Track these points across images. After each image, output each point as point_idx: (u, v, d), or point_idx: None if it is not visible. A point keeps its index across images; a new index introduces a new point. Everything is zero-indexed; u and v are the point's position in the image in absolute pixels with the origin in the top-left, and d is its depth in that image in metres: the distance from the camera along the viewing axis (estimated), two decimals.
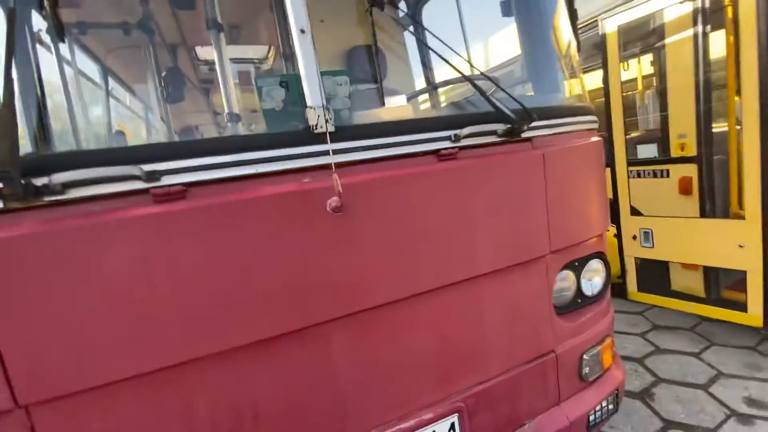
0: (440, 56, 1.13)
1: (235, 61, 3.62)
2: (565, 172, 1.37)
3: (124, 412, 0.87)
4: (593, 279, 1.57)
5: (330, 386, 1.07)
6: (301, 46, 1.00)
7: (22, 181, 0.75)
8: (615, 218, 3.36)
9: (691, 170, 2.91)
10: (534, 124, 1.25)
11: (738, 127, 2.63)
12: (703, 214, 2.86)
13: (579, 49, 1.77)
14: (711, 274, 2.96)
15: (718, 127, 2.83)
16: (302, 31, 1.01)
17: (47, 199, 0.79)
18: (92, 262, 0.80)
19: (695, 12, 2.70)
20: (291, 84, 1.04)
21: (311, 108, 1.00)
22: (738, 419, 2.18)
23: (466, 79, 1.15)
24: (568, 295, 1.51)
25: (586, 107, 1.51)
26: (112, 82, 2.26)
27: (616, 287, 3.52)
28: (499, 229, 1.25)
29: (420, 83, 2.07)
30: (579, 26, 3.12)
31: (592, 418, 1.49)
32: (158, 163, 0.86)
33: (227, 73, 1.70)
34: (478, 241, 1.22)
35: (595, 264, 1.56)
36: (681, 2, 2.69)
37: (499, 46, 3.28)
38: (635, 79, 3.72)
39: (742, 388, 2.42)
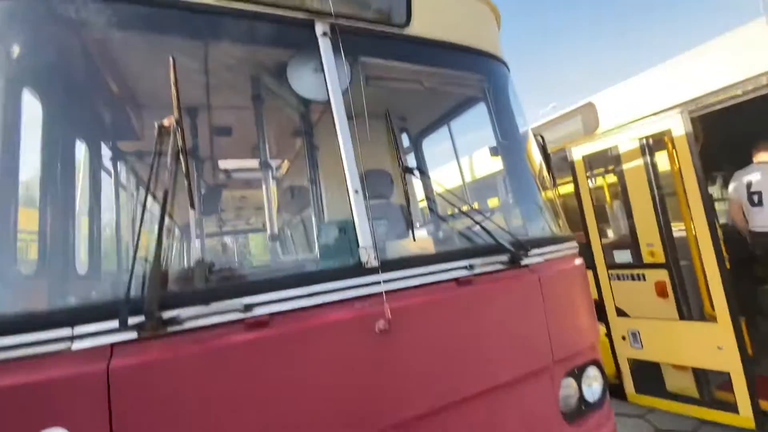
0: (453, 205, 1.49)
1: (250, 170, 4.15)
2: (558, 291, 1.66)
3: None
4: (593, 385, 1.75)
5: None
6: (355, 203, 1.34)
7: (157, 315, 0.98)
8: (602, 318, 3.60)
9: (663, 275, 3.26)
10: (529, 253, 1.58)
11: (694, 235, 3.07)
12: (681, 316, 3.14)
13: (555, 186, 2.22)
14: (701, 375, 3.11)
15: (679, 235, 3.27)
16: (356, 192, 1.36)
17: (170, 329, 1.01)
18: (203, 381, 1.00)
19: (642, 146, 3.33)
20: (347, 228, 1.36)
21: (363, 248, 1.30)
22: None
23: (474, 221, 1.50)
24: (572, 401, 1.68)
25: (567, 236, 1.87)
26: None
27: (614, 388, 3.61)
28: (510, 343, 1.48)
29: (433, 213, 2.46)
30: (550, 151, 3.72)
31: None
32: (251, 297, 1.11)
33: (272, 200, 2.05)
34: (494, 355, 1.44)
35: (593, 371, 1.76)
36: (631, 140, 3.33)
37: (497, 181, 3.86)
38: (603, 190, 4.31)
39: None
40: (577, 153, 3.71)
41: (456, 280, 1.45)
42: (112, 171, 2.14)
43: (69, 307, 1.04)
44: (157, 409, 0.95)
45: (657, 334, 3.23)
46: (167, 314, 1.01)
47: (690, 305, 3.16)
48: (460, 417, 1.35)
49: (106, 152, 2.26)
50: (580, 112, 3.96)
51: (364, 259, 1.29)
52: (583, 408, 1.70)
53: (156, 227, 1.10)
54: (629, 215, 3.57)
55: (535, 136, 2.35)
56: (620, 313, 3.50)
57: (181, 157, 1.14)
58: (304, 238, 2.20)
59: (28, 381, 0.88)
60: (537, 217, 1.96)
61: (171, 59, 1.23)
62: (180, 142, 1.14)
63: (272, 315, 1.13)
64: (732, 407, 2.85)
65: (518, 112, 2.19)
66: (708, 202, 2.93)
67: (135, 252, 1.10)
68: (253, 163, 2.93)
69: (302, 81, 1.64)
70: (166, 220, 1.09)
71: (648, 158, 3.32)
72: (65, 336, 0.94)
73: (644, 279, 3.41)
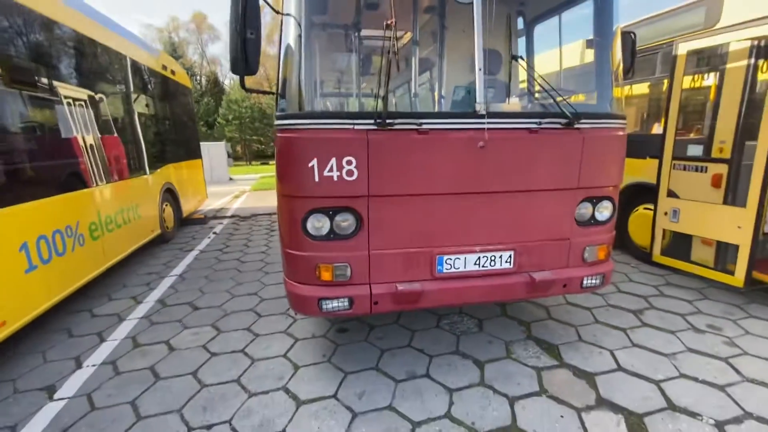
0: (543, 80, 2.46)
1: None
2: (595, 149, 2.63)
3: (403, 208, 2.44)
4: (603, 212, 2.83)
5: (464, 221, 2.55)
6: (478, 77, 2.38)
7: (382, 120, 2.28)
8: (655, 198, 4.37)
9: (722, 169, 3.83)
10: (581, 121, 2.53)
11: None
12: (724, 202, 3.81)
13: (632, 74, 2.93)
14: (722, 249, 3.92)
15: (751, 140, 3.69)
16: (480, 69, 2.39)
17: (389, 128, 2.31)
18: (400, 150, 2.33)
19: (752, 48, 3.52)
20: (471, 90, 2.44)
21: (479, 103, 2.39)
22: (694, 331, 3.34)
23: (550, 96, 2.47)
24: (586, 216, 2.81)
25: (619, 114, 2.72)
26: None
27: (645, 255, 4.59)
28: (555, 169, 2.58)
29: (523, 84, 3.35)
30: (657, 44, 4.08)
31: (585, 282, 2.82)
32: (423, 120, 2.34)
33: (416, 70, 3.14)
34: (540, 173, 2.57)
35: (607, 203, 2.82)
36: (742, 40, 3.53)
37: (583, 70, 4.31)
38: (698, 91, 4.49)
39: (710, 318, 3.53)
40: (683, 48, 3.95)
41: (528, 128, 2.51)
42: None
43: (355, 112, 2.38)
44: (382, 155, 2.33)
45: (695, 213, 4.00)
46: (389, 121, 2.30)
47: (736, 196, 3.78)
48: (513, 199, 2.59)
49: None
50: (706, 3, 3.98)
51: (478, 109, 2.40)
52: (592, 222, 2.83)
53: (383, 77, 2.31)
54: (715, 115, 3.94)
55: (626, 33, 2.95)
56: (671, 194, 4.24)
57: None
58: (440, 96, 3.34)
59: (341, 137, 2.28)
60: (602, 100, 2.79)
61: None
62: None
63: (429, 129, 2.36)
64: (732, 272, 3.73)
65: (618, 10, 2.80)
66: None
67: (378, 91, 2.35)
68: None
69: None
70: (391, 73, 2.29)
71: (753, 60, 3.54)
72: (352, 123, 2.29)
73: (705, 171, 4.00)
